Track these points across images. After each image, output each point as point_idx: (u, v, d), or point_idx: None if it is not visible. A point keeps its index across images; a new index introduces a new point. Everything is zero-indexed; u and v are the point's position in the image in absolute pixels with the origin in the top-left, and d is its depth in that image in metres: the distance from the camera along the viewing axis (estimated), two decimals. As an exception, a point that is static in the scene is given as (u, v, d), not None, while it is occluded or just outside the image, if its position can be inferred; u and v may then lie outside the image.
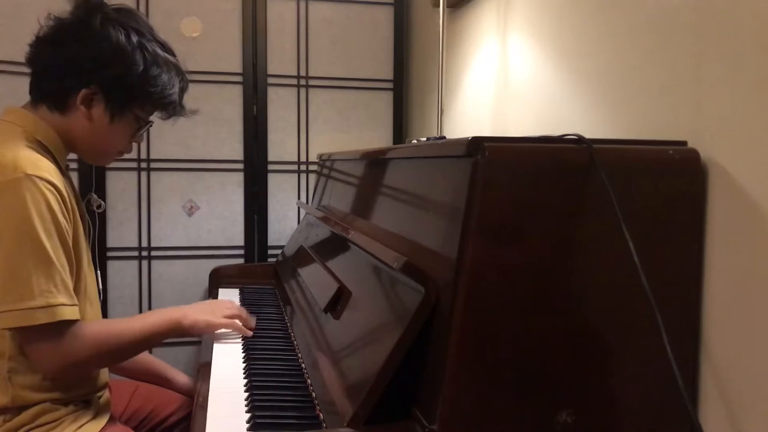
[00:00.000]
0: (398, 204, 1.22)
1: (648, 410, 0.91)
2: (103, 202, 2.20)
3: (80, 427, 1.15)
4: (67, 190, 1.12)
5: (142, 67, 1.19)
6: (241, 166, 2.37)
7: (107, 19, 1.18)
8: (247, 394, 1.12)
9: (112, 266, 2.27)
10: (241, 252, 2.38)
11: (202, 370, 1.27)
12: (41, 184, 1.06)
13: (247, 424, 1.00)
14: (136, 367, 1.47)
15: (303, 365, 1.25)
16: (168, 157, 2.30)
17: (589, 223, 0.89)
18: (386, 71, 2.50)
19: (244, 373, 1.22)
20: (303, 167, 2.46)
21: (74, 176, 2.16)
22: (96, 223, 2.17)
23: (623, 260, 0.86)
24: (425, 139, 1.32)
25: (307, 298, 1.47)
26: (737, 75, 0.89)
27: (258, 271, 2.15)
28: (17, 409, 1.11)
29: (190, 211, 2.34)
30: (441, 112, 1.84)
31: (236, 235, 2.38)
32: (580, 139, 0.90)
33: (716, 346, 0.91)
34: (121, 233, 2.27)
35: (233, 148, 2.36)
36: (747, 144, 0.87)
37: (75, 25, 1.18)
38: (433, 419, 0.83)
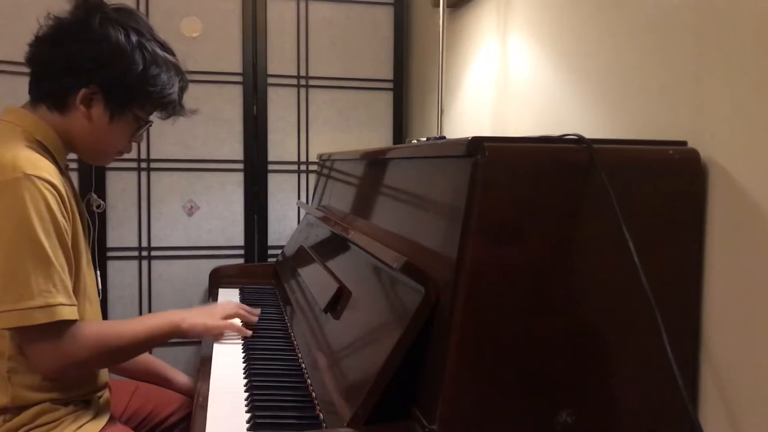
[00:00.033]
0: (398, 204, 1.22)
1: (648, 410, 0.91)
2: (103, 202, 2.20)
3: (80, 427, 1.15)
4: (66, 190, 1.12)
5: (141, 67, 1.19)
6: (241, 166, 2.37)
7: (107, 18, 1.18)
8: (247, 394, 1.12)
9: (112, 266, 2.27)
10: (241, 252, 2.38)
11: (202, 370, 1.27)
12: (40, 183, 1.06)
13: (247, 424, 1.00)
14: (136, 367, 1.47)
15: (303, 365, 1.25)
16: (168, 157, 2.30)
17: (589, 223, 0.89)
18: (386, 71, 2.50)
19: (244, 373, 1.22)
20: (303, 167, 2.46)
21: (74, 176, 2.16)
22: (96, 223, 2.17)
23: (623, 260, 0.86)
24: (425, 139, 1.32)
25: (307, 298, 1.47)
26: (737, 75, 0.89)
27: (258, 271, 2.15)
28: (17, 409, 1.11)
29: (190, 211, 2.34)
30: (441, 112, 1.84)
31: (236, 235, 2.38)
32: (580, 139, 0.90)
33: (716, 346, 0.91)
34: (121, 233, 2.27)
35: (233, 148, 2.36)
36: (747, 144, 0.87)
37: (74, 24, 1.18)
38: (433, 419, 0.83)
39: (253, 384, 1.15)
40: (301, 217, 2.38)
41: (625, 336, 0.90)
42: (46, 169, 1.09)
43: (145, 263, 2.30)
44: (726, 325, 0.90)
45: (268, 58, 2.37)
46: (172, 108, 1.29)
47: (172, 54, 1.27)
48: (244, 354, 1.32)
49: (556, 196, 0.88)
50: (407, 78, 2.55)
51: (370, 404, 0.88)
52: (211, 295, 1.99)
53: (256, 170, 2.38)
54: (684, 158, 0.93)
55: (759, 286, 0.85)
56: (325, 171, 2.08)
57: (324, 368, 1.12)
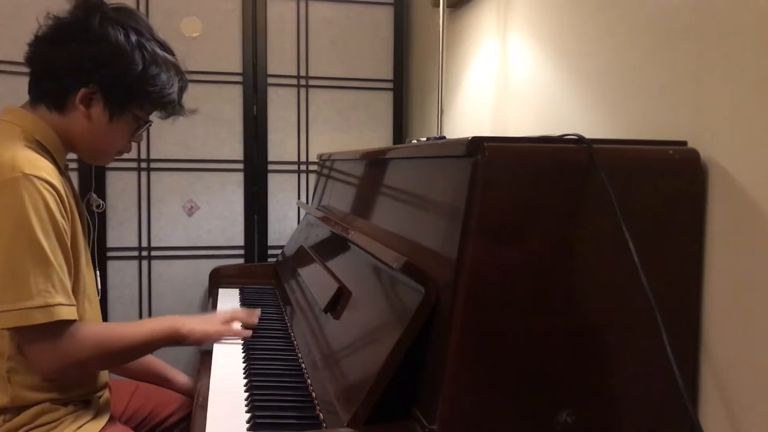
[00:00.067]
0: (398, 204, 1.22)
1: (648, 410, 0.91)
2: (102, 202, 2.20)
3: (80, 427, 1.15)
4: (65, 190, 1.12)
5: (141, 67, 1.19)
6: (241, 166, 2.37)
7: (106, 18, 1.18)
8: (247, 394, 1.12)
9: (112, 266, 2.27)
10: (241, 252, 2.38)
11: (202, 370, 1.27)
12: (39, 183, 1.05)
13: (247, 424, 1.00)
14: (136, 367, 1.47)
15: (303, 365, 1.25)
16: (168, 157, 2.30)
17: (589, 223, 0.89)
18: (386, 71, 2.50)
19: (244, 373, 1.22)
20: (303, 167, 2.46)
21: (74, 176, 2.16)
22: (96, 223, 2.17)
23: (623, 260, 0.86)
24: (425, 139, 1.32)
25: (307, 298, 1.47)
26: (737, 75, 0.89)
27: (258, 271, 2.15)
28: (17, 409, 1.10)
29: (190, 211, 2.34)
30: (441, 112, 1.84)
31: (236, 235, 2.38)
32: (580, 139, 0.90)
33: (716, 346, 0.91)
34: (121, 233, 2.27)
35: (233, 148, 2.36)
36: (747, 144, 0.87)
37: (74, 24, 1.18)
38: (433, 419, 0.83)
39: (253, 384, 1.15)
40: (301, 217, 2.38)
41: (625, 336, 0.90)
42: (45, 168, 1.09)
43: (145, 263, 2.30)
44: (726, 325, 0.90)
45: (268, 58, 2.37)
46: (171, 108, 1.29)
47: (172, 54, 1.27)
48: (244, 354, 1.32)
49: (556, 196, 0.88)
50: (407, 78, 2.55)
51: (370, 404, 0.88)
52: (211, 295, 1.99)
53: (256, 170, 2.38)
54: (684, 158, 0.93)
55: (759, 286, 0.85)
56: (325, 171, 2.08)
57: (324, 368, 1.12)
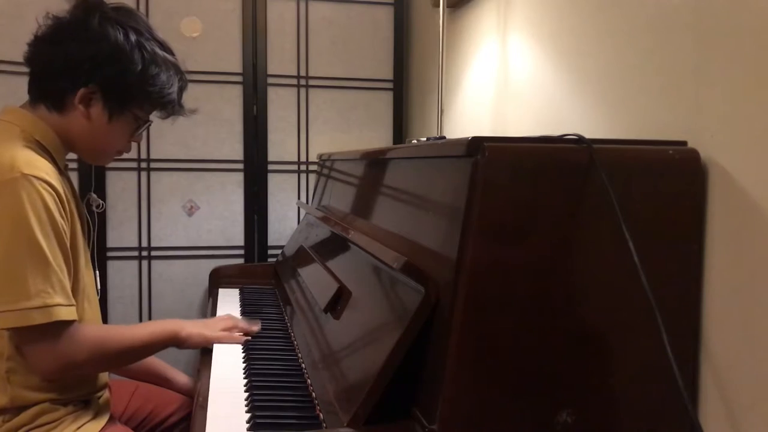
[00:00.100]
0: (398, 204, 1.22)
1: (648, 410, 0.91)
2: (102, 202, 2.20)
3: (80, 427, 1.15)
4: (64, 190, 1.12)
5: (140, 66, 1.19)
6: (241, 166, 2.37)
7: (105, 18, 1.18)
8: (247, 394, 1.12)
9: (112, 266, 2.27)
10: (241, 252, 2.38)
11: (202, 370, 1.27)
12: (38, 184, 1.05)
13: (247, 424, 1.00)
14: (136, 367, 1.47)
15: (303, 365, 1.25)
16: (168, 157, 2.30)
17: (589, 223, 0.89)
18: (386, 71, 2.50)
19: (244, 373, 1.22)
20: (303, 167, 2.46)
21: (74, 176, 2.16)
22: (96, 223, 2.16)
23: (623, 260, 0.86)
24: (425, 139, 1.32)
25: (307, 298, 1.47)
26: (737, 75, 0.89)
27: (258, 271, 2.15)
28: (16, 409, 1.10)
29: (190, 211, 2.34)
30: (441, 112, 1.84)
31: (236, 235, 2.38)
32: (580, 139, 0.90)
33: (716, 346, 0.91)
34: (121, 233, 2.27)
35: (233, 148, 2.36)
36: (747, 144, 0.87)
37: (73, 24, 1.18)
38: (433, 419, 0.83)
39: (253, 384, 1.15)
40: (301, 217, 2.38)
41: (625, 336, 0.90)
42: (44, 169, 1.09)
43: (145, 263, 2.30)
44: (726, 325, 0.90)
45: (268, 58, 2.37)
46: (171, 108, 1.29)
47: (172, 53, 1.27)
48: (244, 354, 1.32)
49: (556, 196, 0.88)
50: (407, 78, 2.55)
51: (370, 404, 0.88)
52: (211, 295, 1.99)
53: (256, 170, 2.38)
54: (684, 158, 0.93)
55: (759, 286, 0.85)
56: (325, 171, 2.08)
57: (324, 368, 1.12)
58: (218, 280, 2.09)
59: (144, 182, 2.29)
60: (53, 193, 1.08)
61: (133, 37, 1.19)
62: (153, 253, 2.30)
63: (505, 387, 0.86)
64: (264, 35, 2.36)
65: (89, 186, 2.19)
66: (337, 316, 1.20)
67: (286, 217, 2.44)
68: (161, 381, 1.51)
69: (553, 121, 1.41)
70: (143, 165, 2.28)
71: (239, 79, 2.35)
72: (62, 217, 1.10)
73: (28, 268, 1.03)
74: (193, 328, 1.34)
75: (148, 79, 1.20)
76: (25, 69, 1.21)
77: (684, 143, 0.96)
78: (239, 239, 2.38)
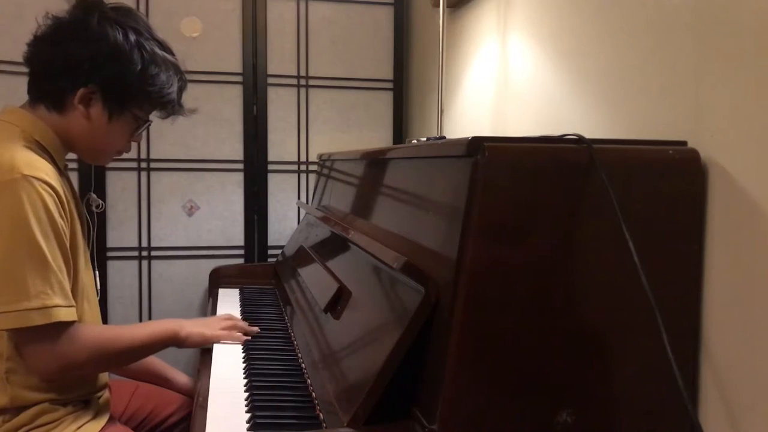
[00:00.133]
0: (398, 204, 1.22)
1: (648, 410, 0.91)
2: (102, 202, 2.20)
3: (80, 427, 1.15)
4: (64, 191, 1.12)
5: (140, 66, 1.19)
6: (241, 166, 2.37)
7: (105, 18, 1.18)
8: (247, 394, 1.12)
9: (112, 266, 2.26)
10: (241, 252, 2.38)
11: (202, 370, 1.27)
12: (38, 184, 1.05)
13: (247, 424, 1.00)
14: (136, 367, 1.47)
15: (303, 365, 1.25)
16: (168, 157, 2.30)
17: (589, 223, 0.89)
18: (386, 71, 2.50)
19: (244, 373, 1.22)
20: (303, 167, 2.46)
21: (74, 176, 2.16)
22: (95, 223, 2.17)
23: (623, 260, 0.86)
24: (425, 139, 1.32)
25: (307, 298, 1.47)
26: (737, 75, 0.89)
27: (258, 271, 2.15)
28: (16, 409, 1.10)
29: (190, 211, 2.34)
30: (441, 112, 1.84)
31: (236, 235, 2.38)
32: (580, 139, 0.90)
33: (716, 346, 0.91)
34: (121, 233, 2.27)
35: (233, 148, 2.36)
36: (747, 144, 0.87)
37: (73, 24, 1.18)
38: (433, 419, 0.83)
39: (253, 384, 1.15)
40: (301, 217, 2.38)
41: (625, 336, 0.90)
42: (44, 169, 1.08)
43: (145, 263, 2.30)
44: (726, 325, 0.90)
45: (268, 58, 2.37)
46: (171, 107, 1.29)
47: (171, 53, 1.27)
48: (244, 354, 1.32)
49: (556, 196, 0.88)
50: (407, 78, 2.55)
51: (370, 404, 0.88)
52: (211, 295, 1.99)
53: (256, 170, 2.38)
54: (684, 158, 0.93)
55: (759, 286, 0.85)
56: (325, 171, 2.08)
57: (324, 368, 1.12)
58: (218, 280, 2.09)
59: (144, 182, 2.29)
60: (53, 193, 1.08)
61: (132, 37, 1.19)
62: (153, 253, 2.30)
63: (505, 387, 0.86)
64: (264, 35, 2.36)
65: (89, 186, 2.19)
66: (337, 316, 1.20)
67: (286, 217, 2.44)
68: (161, 381, 1.51)
69: (553, 121, 1.41)
70: (143, 165, 2.28)
71: (239, 79, 2.35)
72: (62, 218, 1.09)
73: (27, 269, 1.03)
74: (193, 327, 1.34)
75: (148, 78, 1.20)
76: (25, 69, 1.21)
77: (684, 143, 0.96)
78: (239, 239, 2.38)
